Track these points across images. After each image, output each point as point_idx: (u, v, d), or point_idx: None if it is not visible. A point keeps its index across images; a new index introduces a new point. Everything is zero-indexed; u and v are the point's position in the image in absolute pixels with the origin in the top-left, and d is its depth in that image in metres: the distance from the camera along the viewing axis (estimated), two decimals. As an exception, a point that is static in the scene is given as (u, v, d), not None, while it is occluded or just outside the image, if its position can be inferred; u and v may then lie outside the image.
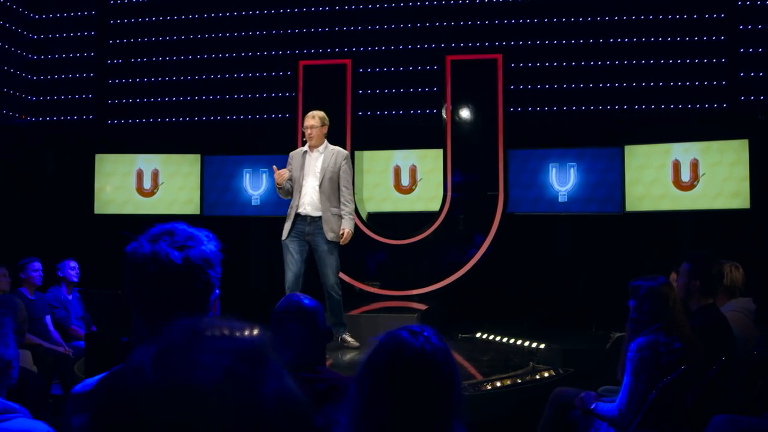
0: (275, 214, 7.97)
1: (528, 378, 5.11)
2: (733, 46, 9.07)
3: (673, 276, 4.94)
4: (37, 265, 6.98)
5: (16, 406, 2.17)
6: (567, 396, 4.16)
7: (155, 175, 10.06)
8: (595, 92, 9.47)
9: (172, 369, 0.73)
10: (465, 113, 8.92)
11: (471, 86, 8.93)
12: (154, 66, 10.55)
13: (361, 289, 8.70)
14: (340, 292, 6.26)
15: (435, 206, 9.01)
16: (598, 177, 9.08)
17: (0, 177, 9.50)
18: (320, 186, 6.08)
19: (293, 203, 6.18)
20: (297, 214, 6.12)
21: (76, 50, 10.71)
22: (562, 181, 9.15)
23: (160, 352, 0.76)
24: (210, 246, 1.76)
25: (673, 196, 8.84)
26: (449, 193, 8.82)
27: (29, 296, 6.89)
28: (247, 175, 9.83)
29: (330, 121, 8.88)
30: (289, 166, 6.27)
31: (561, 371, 5.34)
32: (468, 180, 8.82)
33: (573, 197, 9.13)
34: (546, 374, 5.21)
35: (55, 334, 6.95)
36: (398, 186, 9.74)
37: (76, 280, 7.46)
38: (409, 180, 9.70)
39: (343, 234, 6.06)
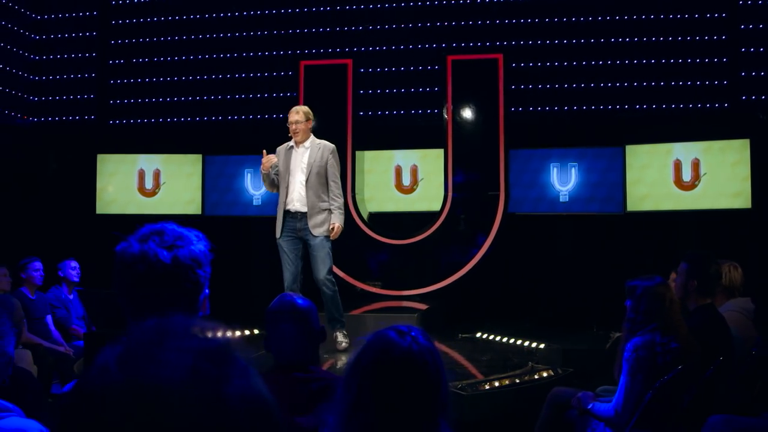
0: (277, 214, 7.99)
1: (526, 378, 5.11)
2: (734, 46, 9.06)
3: (673, 276, 4.93)
4: (38, 264, 7.00)
5: (10, 405, 2.18)
6: (564, 396, 4.16)
7: (157, 175, 10.08)
8: (596, 92, 9.47)
9: (136, 368, 0.74)
10: (466, 113, 8.92)
11: (472, 86, 8.93)
12: (156, 66, 10.57)
13: (362, 289, 8.71)
14: (334, 288, 6.16)
15: (436, 206, 9.01)
16: (600, 177, 9.07)
17: (2, 177, 9.52)
18: (307, 181, 6.04)
19: (281, 200, 6.16)
20: (286, 211, 6.10)
21: (78, 50, 10.74)
22: (564, 181, 9.15)
23: (126, 351, 0.76)
24: (199, 246, 1.77)
25: (675, 195, 8.83)
26: (450, 193, 8.82)
27: (30, 296, 6.91)
28: (249, 175, 9.85)
29: (331, 121, 8.97)
30: (276, 163, 6.26)
31: (560, 371, 5.34)
32: (469, 180, 8.82)
33: (574, 197, 9.13)
34: (545, 374, 5.21)
35: (56, 334, 6.97)
36: (399, 186, 9.74)
37: (76, 279, 7.48)
38: (411, 180, 9.71)
39: (333, 228, 6.02)
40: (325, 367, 5.24)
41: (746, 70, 9.00)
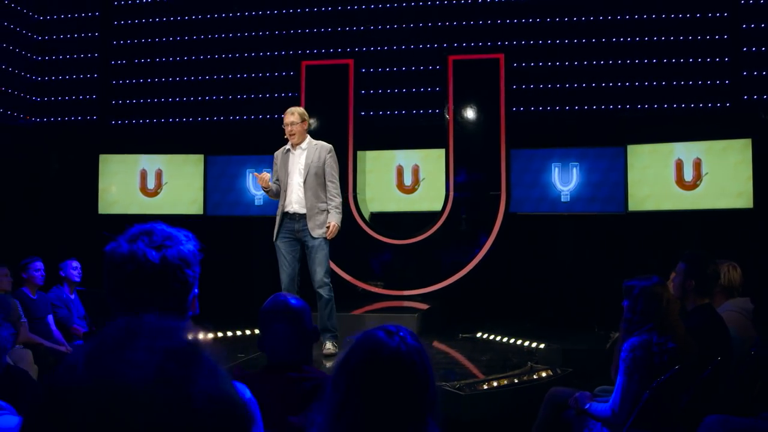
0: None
1: (525, 378, 5.11)
2: (736, 46, 9.04)
3: (673, 275, 4.92)
4: (39, 264, 7.01)
5: (3, 403, 2.19)
6: (562, 396, 4.15)
7: (159, 175, 10.10)
8: (597, 92, 9.46)
9: (102, 367, 0.74)
10: (467, 113, 8.92)
11: (473, 86, 8.93)
12: (158, 66, 10.59)
13: (363, 289, 8.72)
14: (331, 294, 6.07)
15: (438, 206, 9.00)
16: (601, 177, 9.06)
17: (5, 177, 9.54)
18: (305, 182, 6.01)
19: (281, 203, 6.15)
20: (285, 213, 6.07)
21: (80, 51, 10.77)
22: (565, 180, 9.14)
23: (94, 350, 0.77)
24: (188, 246, 1.77)
25: (676, 195, 8.82)
26: (451, 193, 8.83)
27: (31, 296, 6.92)
28: (250, 175, 9.85)
29: (332, 121, 8.98)
30: (275, 167, 6.25)
31: (559, 371, 5.34)
32: (470, 180, 8.82)
33: (576, 197, 9.12)
34: (543, 374, 5.21)
35: (57, 334, 6.98)
36: (401, 186, 9.74)
37: (78, 279, 7.49)
38: (412, 180, 9.71)
39: (329, 227, 5.98)
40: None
41: (748, 69, 8.98)
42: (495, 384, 4.92)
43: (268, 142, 9.50)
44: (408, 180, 9.72)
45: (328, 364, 5.71)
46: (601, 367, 5.36)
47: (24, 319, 6.48)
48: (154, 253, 1.70)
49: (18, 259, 7.06)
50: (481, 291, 8.97)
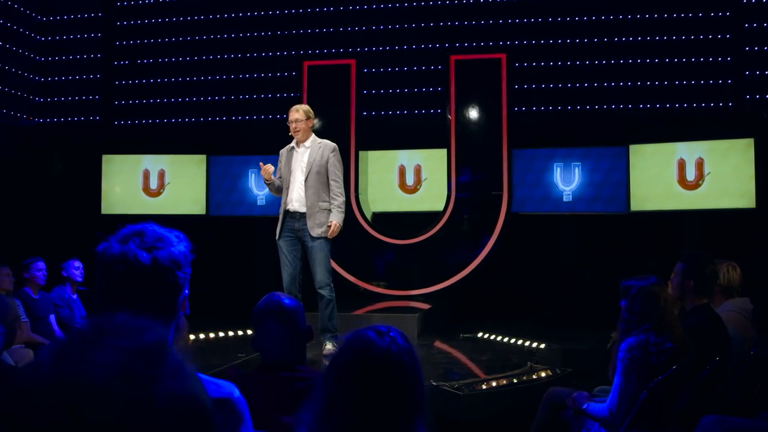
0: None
1: (524, 378, 5.11)
2: (738, 45, 9.02)
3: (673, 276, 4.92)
4: (41, 264, 7.03)
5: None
6: (560, 396, 4.15)
7: (161, 175, 10.12)
8: (599, 91, 9.44)
9: (68, 366, 0.75)
10: (469, 113, 8.93)
11: (475, 86, 8.93)
12: (160, 67, 10.61)
13: (365, 289, 8.73)
14: (333, 294, 6.06)
15: (440, 206, 9.01)
16: (603, 176, 9.05)
17: (8, 178, 9.57)
18: (306, 181, 6.00)
19: (283, 201, 6.14)
20: (286, 211, 6.06)
21: (83, 52, 10.80)
22: (567, 180, 9.13)
23: (61, 349, 0.77)
24: (179, 247, 1.78)
25: (678, 195, 8.80)
26: (453, 193, 8.83)
27: (33, 296, 6.95)
28: (253, 175, 9.87)
29: (334, 121, 8.98)
30: (279, 164, 6.25)
31: (558, 371, 5.33)
32: (472, 180, 8.82)
33: (578, 197, 9.11)
34: (543, 374, 5.20)
35: (59, 334, 7.00)
36: (403, 186, 9.75)
37: (80, 279, 7.51)
38: (414, 180, 9.72)
39: (330, 226, 5.97)
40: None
41: (750, 69, 8.96)
42: (494, 384, 4.92)
43: (271, 142, 9.53)
44: (410, 180, 9.72)
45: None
46: (601, 367, 5.35)
47: (26, 319, 6.50)
48: (144, 254, 1.71)
49: (21, 259, 7.09)
50: (483, 291, 8.97)
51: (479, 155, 8.88)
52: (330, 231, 5.96)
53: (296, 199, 6.07)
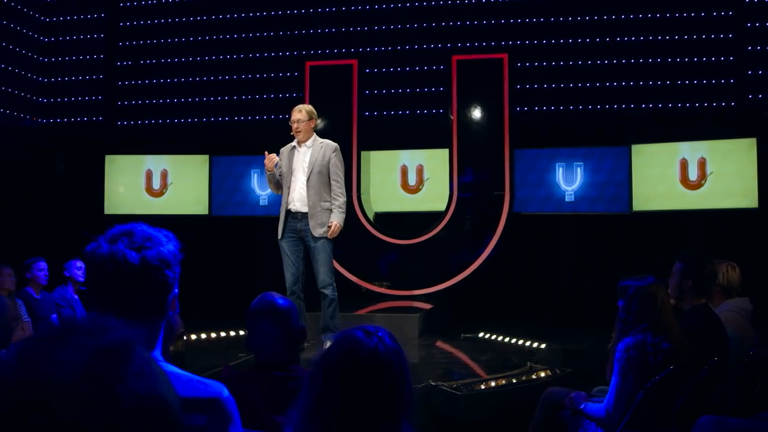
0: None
1: (524, 378, 5.10)
2: (740, 45, 9.00)
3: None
4: (43, 264, 7.05)
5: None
6: (558, 396, 4.15)
7: (164, 175, 10.15)
8: (601, 91, 9.43)
9: (32, 365, 0.75)
10: (471, 113, 8.93)
11: (477, 86, 8.93)
12: (163, 67, 10.64)
13: (367, 289, 8.73)
14: (335, 294, 6.07)
15: (442, 206, 9.00)
16: (606, 176, 9.04)
17: (11, 178, 9.61)
18: (308, 180, 5.99)
19: (284, 200, 6.14)
20: (288, 211, 6.06)
21: (86, 52, 10.83)
22: (569, 180, 9.12)
23: (27, 348, 0.78)
24: (168, 247, 1.78)
25: (681, 195, 8.79)
26: (455, 193, 8.83)
27: (35, 295, 6.97)
28: (255, 175, 9.89)
29: (336, 121, 8.99)
30: (279, 163, 6.25)
31: (558, 371, 5.33)
32: (474, 180, 8.82)
33: (580, 197, 9.10)
34: (542, 374, 5.20)
35: (61, 334, 7.01)
36: (405, 186, 9.75)
37: (82, 279, 7.52)
38: (416, 179, 9.72)
39: (331, 226, 5.97)
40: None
41: (753, 68, 8.94)
42: (493, 384, 4.92)
43: (273, 143, 9.56)
44: (412, 180, 9.73)
45: None
46: (602, 367, 5.36)
47: (27, 319, 6.52)
48: (133, 254, 1.72)
49: (25, 259, 7.11)
50: (485, 291, 8.97)
51: (481, 155, 8.88)
52: (330, 231, 5.96)
53: (298, 198, 6.07)
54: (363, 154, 9.24)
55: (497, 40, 9.67)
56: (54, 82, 10.88)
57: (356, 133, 9.07)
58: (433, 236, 8.83)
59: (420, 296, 8.55)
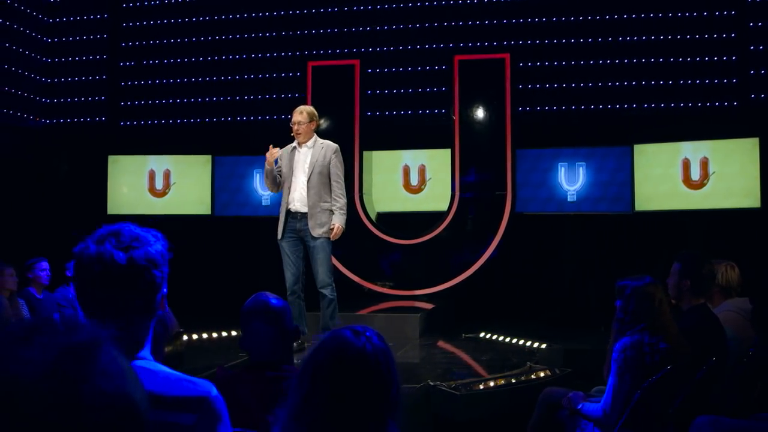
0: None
1: (523, 378, 5.10)
2: (743, 44, 8.97)
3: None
4: (45, 264, 7.08)
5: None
6: (556, 396, 4.15)
7: (167, 175, 10.17)
8: (603, 91, 9.41)
9: None
10: (473, 113, 8.93)
11: (479, 86, 8.93)
12: (166, 68, 10.66)
13: (369, 289, 8.74)
14: (334, 294, 6.08)
15: (444, 206, 9.00)
16: (608, 176, 9.02)
17: (14, 178, 9.64)
18: (308, 181, 6.02)
19: (284, 200, 6.16)
20: (288, 211, 6.08)
21: (89, 53, 10.85)
22: (571, 180, 9.11)
23: None
24: (156, 246, 1.79)
25: (683, 195, 8.76)
26: (457, 193, 8.83)
27: (37, 295, 7.00)
28: (258, 175, 9.89)
29: (338, 121, 9.00)
30: (279, 162, 6.27)
31: (558, 371, 5.33)
32: (476, 180, 8.82)
33: (582, 196, 9.09)
34: (542, 374, 5.20)
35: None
36: (407, 186, 9.75)
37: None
38: (418, 180, 9.72)
39: (333, 229, 5.99)
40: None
41: (755, 68, 8.91)
42: (492, 384, 4.92)
43: (275, 143, 9.58)
44: (414, 180, 9.72)
45: None
46: (602, 367, 5.36)
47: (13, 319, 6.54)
48: (121, 254, 1.72)
49: (26, 260, 7.13)
50: (487, 291, 8.96)
51: (483, 155, 8.87)
52: (333, 234, 6.00)
53: (298, 199, 6.09)
54: (365, 154, 9.24)
55: (499, 40, 9.66)
56: (57, 83, 10.91)
57: (358, 133, 9.08)
58: (435, 236, 8.83)
59: (422, 296, 8.55)
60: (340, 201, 6.08)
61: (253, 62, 10.39)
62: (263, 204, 9.94)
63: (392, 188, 9.74)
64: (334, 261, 8.45)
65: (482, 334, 7.41)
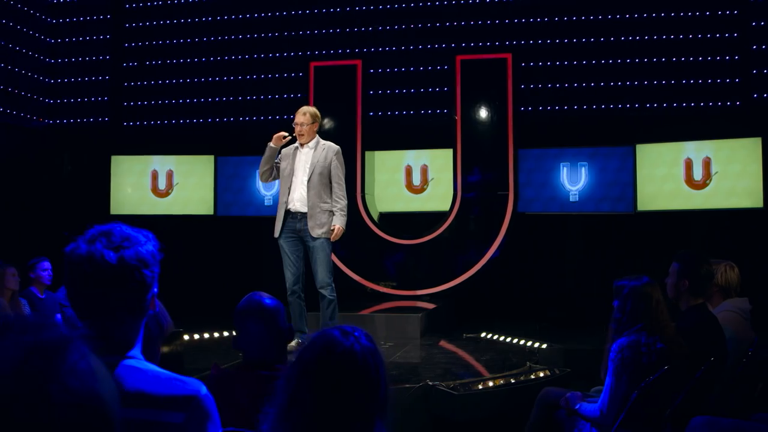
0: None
1: (522, 378, 5.10)
2: (745, 44, 8.96)
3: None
4: (47, 264, 7.10)
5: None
6: (554, 396, 4.14)
7: (170, 175, 10.19)
8: (606, 91, 9.41)
9: None
10: (475, 113, 8.93)
11: (481, 86, 8.93)
12: (168, 68, 10.69)
13: (371, 289, 8.74)
14: (334, 294, 6.09)
15: (446, 206, 9.01)
16: (610, 176, 9.02)
17: (18, 178, 9.66)
18: (309, 182, 6.04)
19: (282, 200, 6.18)
20: (287, 211, 6.10)
21: (92, 53, 10.89)
22: (574, 180, 9.11)
23: None
24: (147, 246, 1.80)
25: (686, 195, 8.75)
26: (460, 193, 8.83)
27: (39, 295, 7.02)
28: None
29: (341, 121, 9.01)
30: (279, 161, 6.28)
31: (557, 371, 5.32)
32: (478, 180, 8.82)
33: (585, 196, 9.08)
34: (541, 374, 5.20)
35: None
36: (410, 186, 9.75)
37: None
38: (421, 179, 9.71)
39: (333, 230, 6.01)
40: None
41: (758, 67, 8.90)
42: (490, 384, 4.92)
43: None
44: (417, 180, 9.72)
45: None
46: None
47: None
48: (111, 254, 1.74)
49: (29, 259, 7.15)
50: (489, 291, 8.97)
51: (485, 155, 8.87)
52: (333, 235, 6.02)
53: (298, 198, 6.11)
54: (367, 154, 9.25)
55: (501, 40, 9.66)
56: (60, 83, 10.95)
57: (360, 133, 9.08)
58: (438, 236, 8.84)
59: (424, 296, 8.56)
60: (341, 202, 6.10)
61: (256, 62, 10.41)
62: (265, 204, 9.95)
63: (394, 188, 9.74)
64: (337, 261, 8.48)
65: (483, 334, 7.41)
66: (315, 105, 8.73)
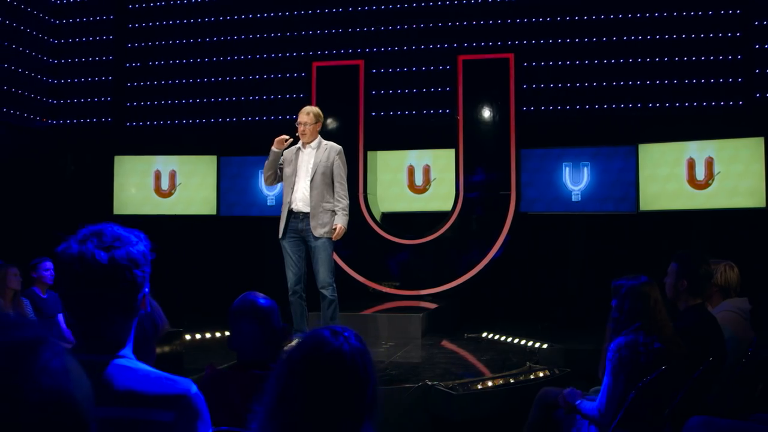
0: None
1: (521, 378, 5.10)
2: (748, 43, 8.94)
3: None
4: (49, 264, 7.10)
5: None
6: (553, 396, 4.14)
7: (172, 176, 10.21)
8: (608, 91, 9.40)
9: None
10: (477, 113, 8.93)
11: (483, 86, 8.93)
12: (171, 68, 10.71)
13: (374, 289, 8.75)
14: (335, 295, 6.08)
15: (449, 206, 9.01)
16: (612, 176, 9.00)
17: (21, 179, 9.70)
18: (311, 181, 6.05)
19: (285, 200, 6.19)
20: (290, 211, 6.11)
21: (95, 54, 10.92)
22: (576, 180, 9.10)
23: None
24: (138, 246, 1.81)
25: (688, 194, 8.73)
26: (462, 193, 8.83)
27: (41, 295, 7.03)
28: (262, 176, 9.91)
29: (343, 121, 9.02)
30: (281, 162, 6.29)
31: (557, 371, 5.32)
32: (481, 179, 8.83)
33: (587, 196, 9.07)
34: (541, 374, 5.19)
35: (67, 332, 7.07)
36: (412, 186, 9.75)
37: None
38: (423, 180, 9.71)
39: (335, 229, 6.02)
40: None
41: (761, 67, 8.88)
42: (489, 384, 4.92)
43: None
44: (419, 180, 9.72)
45: None
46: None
47: (34, 318, 6.58)
48: (102, 254, 1.74)
49: (31, 259, 7.17)
50: (491, 290, 8.97)
51: (487, 155, 8.87)
52: (335, 234, 6.02)
53: (300, 198, 6.12)
54: (370, 154, 9.25)
55: (503, 40, 9.66)
56: (63, 84, 10.98)
57: (363, 133, 9.10)
58: (440, 236, 8.84)
59: (426, 296, 8.57)
60: (342, 202, 6.10)
61: (258, 63, 10.43)
62: (268, 204, 9.96)
63: (397, 188, 9.74)
64: (339, 261, 8.49)
65: (484, 334, 7.41)
66: (317, 105, 8.76)
